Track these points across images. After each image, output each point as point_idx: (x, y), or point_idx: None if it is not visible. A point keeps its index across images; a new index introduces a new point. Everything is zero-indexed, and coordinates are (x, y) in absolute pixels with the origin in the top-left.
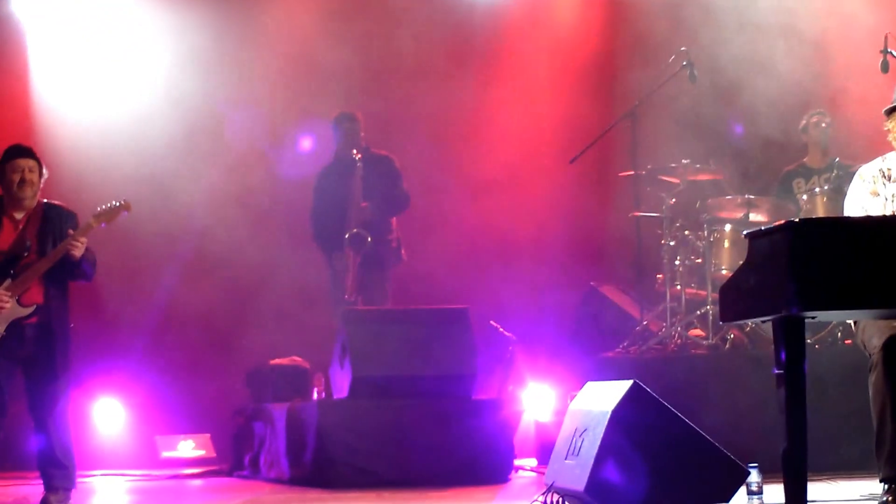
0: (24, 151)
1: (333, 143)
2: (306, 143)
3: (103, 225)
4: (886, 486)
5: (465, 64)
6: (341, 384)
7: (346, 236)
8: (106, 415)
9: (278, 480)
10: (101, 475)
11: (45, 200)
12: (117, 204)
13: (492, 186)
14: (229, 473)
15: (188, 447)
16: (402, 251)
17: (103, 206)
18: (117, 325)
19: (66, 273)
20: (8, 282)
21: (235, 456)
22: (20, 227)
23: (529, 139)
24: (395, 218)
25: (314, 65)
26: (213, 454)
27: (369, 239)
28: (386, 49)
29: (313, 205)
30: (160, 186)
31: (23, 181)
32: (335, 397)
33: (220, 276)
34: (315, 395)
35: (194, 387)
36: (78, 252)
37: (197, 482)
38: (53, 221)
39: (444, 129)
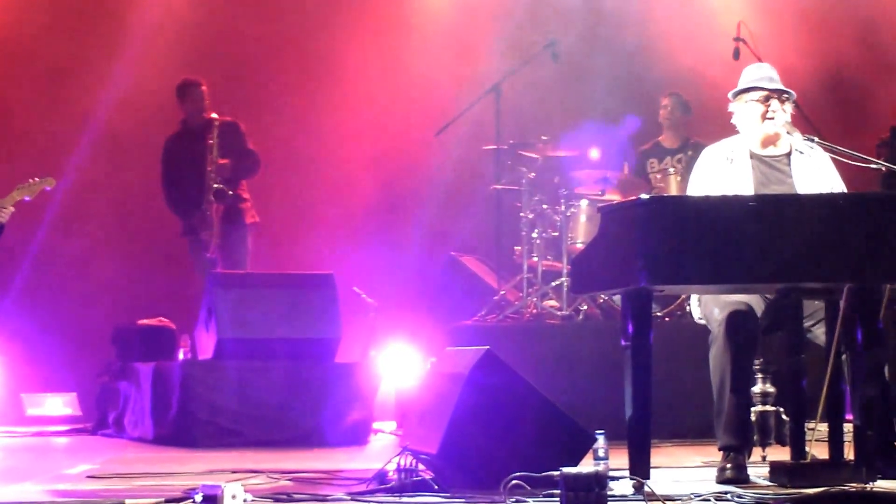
0: None
1: (181, 111)
2: None
3: (27, 199)
4: (724, 454)
5: (328, 26)
6: (207, 346)
7: (211, 190)
8: None
9: (142, 439)
10: None
11: None
12: (42, 180)
13: (357, 156)
14: (93, 432)
15: (55, 405)
16: (254, 212)
17: (30, 181)
18: None
19: None
20: None
21: (100, 414)
22: None
23: (396, 109)
24: (244, 181)
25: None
26: (80, 413)
27: (230, 192)
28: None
29: (163, 172)
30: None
31: None
32: (200, 359)
33: (88, 233)
34: (181, 356)
35: (61, 345)
36: (4, 219)
37: (61, 440)
38: None
39: (307, 95)
